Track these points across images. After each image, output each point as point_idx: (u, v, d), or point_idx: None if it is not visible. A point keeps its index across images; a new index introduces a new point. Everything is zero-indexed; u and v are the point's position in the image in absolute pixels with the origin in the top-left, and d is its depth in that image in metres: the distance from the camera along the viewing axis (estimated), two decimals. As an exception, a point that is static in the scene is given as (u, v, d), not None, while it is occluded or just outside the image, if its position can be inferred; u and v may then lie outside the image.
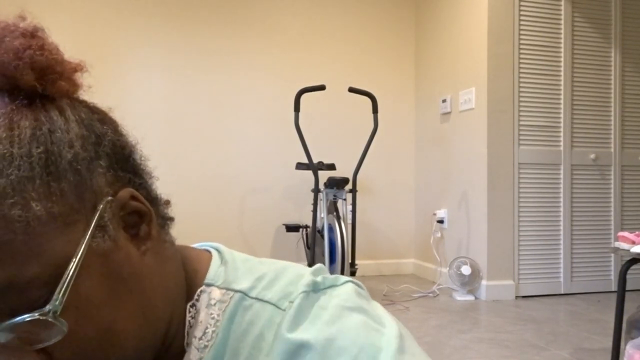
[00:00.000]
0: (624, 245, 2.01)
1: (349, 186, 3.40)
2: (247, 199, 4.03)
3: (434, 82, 4.10)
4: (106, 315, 0.40)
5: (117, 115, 0.48)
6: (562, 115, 3.52)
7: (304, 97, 4.02)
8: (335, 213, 3.26)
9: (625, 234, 2.04)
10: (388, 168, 4.34)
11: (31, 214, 0.37)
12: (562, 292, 3.52)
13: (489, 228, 3.38)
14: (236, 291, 0.48)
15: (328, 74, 4.16)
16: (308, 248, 3.67)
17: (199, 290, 0.48)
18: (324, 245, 3.24)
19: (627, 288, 1.98)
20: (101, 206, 0.41)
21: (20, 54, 0.40)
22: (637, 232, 2.02)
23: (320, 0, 4.20)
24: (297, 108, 3.23)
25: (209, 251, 0.53)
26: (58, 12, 3.69)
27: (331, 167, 3.71)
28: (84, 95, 0.46)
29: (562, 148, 3.52)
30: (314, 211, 3.33)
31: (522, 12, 3.45)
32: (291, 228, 3.80)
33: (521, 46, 3.45)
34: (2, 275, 0.35)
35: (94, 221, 0.40)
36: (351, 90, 3.33)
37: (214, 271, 0.49)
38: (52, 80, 0.42)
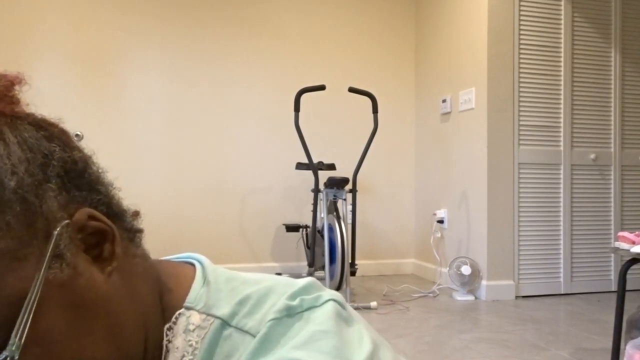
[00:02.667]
0: (624, 245, 2.01)
1: (349, 186, 3.40)
2: (247, 199, 4.03)
3: (434, 82, 4.10)
4: (71, 347, 0.37)
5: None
6: (562, 115, 3.52)
7: (304, 97, 4.02)
8: (335, 213, 3.26)
9: (625, 234, 2.04)
10: (388, 168, 4.34)
11: None
12: (562, 292, 3.52)
13: (489, 228, 3.38)
14: (216, 317, 0.44)
15: (328, 74, 4.16)
16: (308, 248, 3.67)
17: (177, 312, 0.45)
18: (324, 245, 3.24)
19: (627, 288, 1.98)
20: (55, 233, 0.37)
21: None
22: (637, 232, 2.02)
23: (320, 0, 4.20)
24: (297, 108, 3.23)
25: (191, 264, 0.50)
26: (58, 13, 3.69)
27: (331, 167, 3.71)
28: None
29: (562, 148, 3.52)
30: (314, 211, 3.33)
31: (522, 12, 3.45)
32: (291, 228, 3.80)
33: (521, 46, 3.45)
34: None
35: (49, 251, 0.36)
36: (351, 90, 3.33)
37: (195, 292, 0.46)
38: None
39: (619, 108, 3.66)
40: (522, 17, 3.45)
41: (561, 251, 3.52)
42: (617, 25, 3.64)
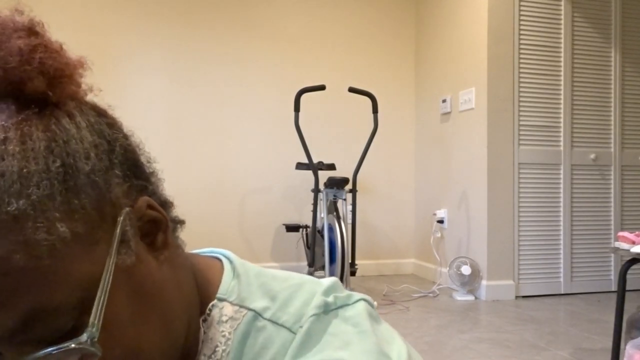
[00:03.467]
0: (624, 245, 2.01)
1: (349, 186, 3.40)
2: (247, 199, 4.03)
3: (434, 82, 4.10)
4: (133, 334, 0.38)
5: (117, 117, 0.47)
6: (562, 115, 3.52)
7: (304, 97, 4.01)
8: (335, 213, 3.26)
9: (625, 234, 2.04)
10: (388, 168, 4.34)
11: (56, 236, 0.34)
12: (562, 292, 3.52)
13: (489, 228, 3.38)
14: (249, 309, 0.45)
15: (328, 74, 4.16)
16: (308, 248, 3.67)
17: (210, 304, 0.46)
18: (324, 245, 3.24)
19: (627, 288, 1.98)
20: (121, 219, 0.38)
21: (27, 57, 0.36)
22: (637, 232, 2.02)
23: (320, 1, 4.20)
24: (297, 108, 3.23)
25: (218, 259, 0.51)
26: (58, 13, 3.69)
27: (331, 167, 3.71)
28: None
29: (562, 148, 3.52)
30: (314, 211, 3.33)
31: (522, 12, 3.45)
32: (291, 228, 3.80)
33: (521, 46, 3.45)
34: (29, 304, 0.33)
35: (117, 237, 0.37)
36: (351, 90, 3.33)
37: (227, 284, 0.47)
38: (61, 84, 0.38)
39: (619, 108, 3.66)
40: (522, 17, 3.45)
41: (561, 251, 3.52)
42: (617, 25, 3.64)
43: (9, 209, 0.33)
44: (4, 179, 0.33)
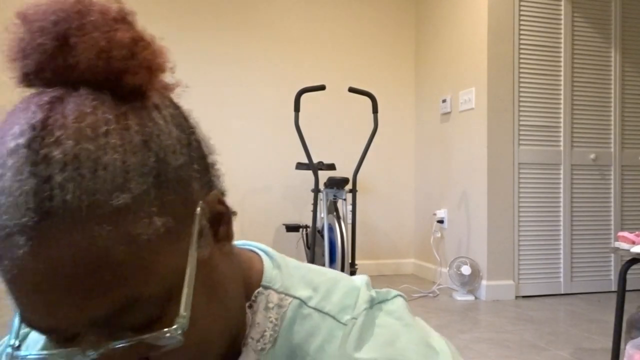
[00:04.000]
0: (624, 245, 2.01)
1: (349, 186, 3.40)
2: (247, 199, 4.03)
3: (434, 82, 4.10)
4: (205, 323, 0.39)
5: None
6: (562, 115, 3.52)
7: (304, 97, 4.02)
8: (335, 213, 3.26)
9: (625, 234, 2.04)
10: (388, 168, 4.34)
11: (153, 230, 0.35)
12: (562, 292, 3.52)
13: (489, 228, 3.38)
14: (294, 297, 0.47)
15: (328, 74, 4.16)
16: (308, 248, 3.67)
17: (256, 291, 0.47)
18: (324, 245, 3.24)
19: (627, 288, 1.98)
20: (198, 213, 0.39)
21: (131, 51, 0.37)
22: (637, 232, 2.02)
23: (321, 1, 4.20)
24: (297, 108, 3.23)
25: (254, 252, 0.52)
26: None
27: (331, 167, 3.71)
28: None
29: (562, 148, 3.52)
30: (314, 211, 3.33)
31: (522, 12, 3.45)
32: (291, 228, 3.80)
33: (521, 46, 3.45)
34: (125, 293, 0.34)
35: (196, 230, 0.38)
36: (351, 90, 3.33)
37: (269, 274, 0.48)
38: (158, 78, 0.39)
39: (619, 108, 3.66)
40: (522, 17, 3.45)
41: (561, 251, 3.52)
42: (617, 25, 3.64)
43: (113, 202, 0.33)
44: (109, 172, 0.34)
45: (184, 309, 0.36)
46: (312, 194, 4.08)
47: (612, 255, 3.63)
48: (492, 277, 3.38)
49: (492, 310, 3.12)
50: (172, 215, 0.36)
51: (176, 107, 0.42)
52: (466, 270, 3.34)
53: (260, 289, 0.48)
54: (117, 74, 0.36)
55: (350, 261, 3.24)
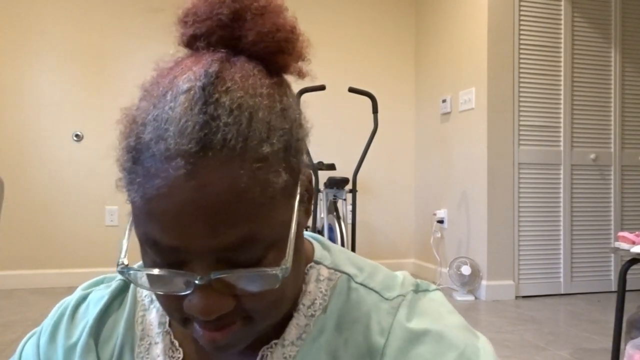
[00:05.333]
0: (624, 245, 2.01)
1: (349, 186, 3.40)
2: (247, 199, 4.03)
3: (434, 82, 4.10)
4: (289, 277, 0.43)
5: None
6: (562, 115, 3.52)
7: (304, 97, 4.01)
8: (335, 213, 3.26)
9: (625, 234, 2.04)
10: (388, 168, 4.34)
11: (281, 182, 0.40)
12: (562, 292, 3.52)
13: (489, 228, 3.38)
14: (343, 272, 0.53)
15: (328, 74, 4.16)
16: (308, 248, 3.66)
17: (308, 265, 0.53)
18: (324, 245, 3.23)
19: (627, 288, 1.98)
20: (301, 182, 0.45)
21: (293, 37, 0.44)
22: (637, 232, 2.02)
23: (321, 1, 4.20)
24: (297, 108, 3.23)
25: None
26: (58, 13, 3.69)
27: (331, 167, 3.71)
28: None
29: (562, 148, 3.52)
30: (314, 211, 3.33)
31: (522, 12, 3.45)
32: (291, 228, 3.79)
33: (521, 46, 3.45)
34: (248, 230, 0.39)
35: (298, 195, 0.44)
36: (351, 90, 3.33)
37: (320, 252, 0.54)
38: (302, 62, 0.47)
39: (619, 108, 3.66)
40: (522, 17, 3.45)
41: (561, 251, 3.52)
42: (617, 25, 3.64)
43: (261, 149, 0.39)
44: (260, 125, 0.40)
45: (287, 255, 0.41)
46: (312, 194, 4.08)
47: (612, 255, 3.63)
48: (492, 277, 3.38)
49: (492, 310, 3.12)
50: (290, 175, 0.42)
51: (290, 87, 0.49)
52: (466, 270, 3.34)
53: (312, 263, 0.53)
54: (276, 52, 0.44)
55: (350, 261, 3.24)
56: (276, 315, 0.45)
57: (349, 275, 0.52)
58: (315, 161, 3.64)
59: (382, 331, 0.48)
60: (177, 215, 0.37)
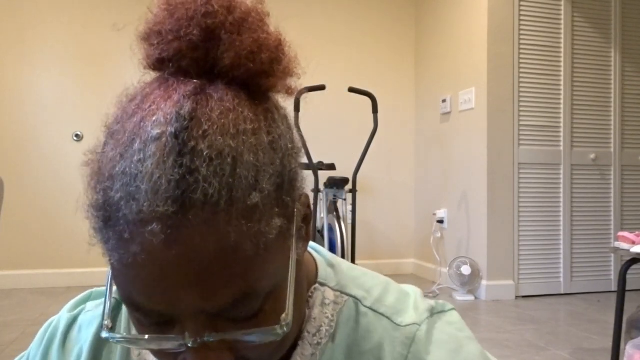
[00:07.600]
0: (624, 245, 2.01)
1: (349, 186, 3.40)
2: (247, 199, 4.03)
3: (434, 82, 4.10)
4: (294, 318, 0.40)
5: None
6: (562, 115, 3.52)
7: (304, 97, 4.01)
8: (335, 213, 3.26)
9: (625, 234, 2.04)
10: (388, 168, 4.34)
11: (274, 229, 0.36)
12: (562, 292, 3.52)
13: (489, 228, 3.38)
14: (350, 295, 0.48)
15: (328, 74, 4.16)
16: (308, 248, 3.66)
17: (312, 287, 0.48)
18: (324, 245, 3.24)
19: (627, 288, 1.98)
20: (296, 214, 0.39)
21: (276, 55, 0.38)
22: (637, 232, 2.02)
23: (320, 1, 4.20)
24: (297, 108, 3.23)
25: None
26: (58, 13, 3.69)
27: (331, 167, 3.71)
28: None
29: (562, 148, 3.52)
30: (314, 211, 3.33)
31: (522, 12, 3.45)
32: (291, 228, 3.79)
33: (521, 46, 3.45)
34: (243, 287, 0.35)
35: (295, 232, 0.39)
36: (351, 90, 3.33)
37: (324, 271, 0.49)
38: (291, 84, 0.41)
39: (619, 108, 3.66)
40: (522, 17, 3.45)
41: (561, 251, 3.52)
42: (617, 25, 3.64)
43: (249, 200, 0.34)
44: (246, 171, 0.34)
45: (288, 307, 0.37)
46: (312, 194, 4.08)
47: (612, 255, 3.63)
48: (492, 277, 3.38)
49: (492, 310, 3.12)
50: (285, 217, 0.37)
51: (282, 107, 0.43)
52: (466, 270, 3.34)
53: (317, 285, 0.48)
54: (259, 75, 0.38)
55: (350, 261, 3.24)
56: (279, 356, 0.42)
57: (356, 298, 0.48)
58: (315, 161, 3.64)
59: None
60: (160, 281, 0.33)
